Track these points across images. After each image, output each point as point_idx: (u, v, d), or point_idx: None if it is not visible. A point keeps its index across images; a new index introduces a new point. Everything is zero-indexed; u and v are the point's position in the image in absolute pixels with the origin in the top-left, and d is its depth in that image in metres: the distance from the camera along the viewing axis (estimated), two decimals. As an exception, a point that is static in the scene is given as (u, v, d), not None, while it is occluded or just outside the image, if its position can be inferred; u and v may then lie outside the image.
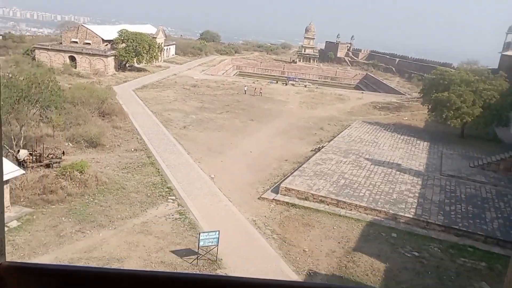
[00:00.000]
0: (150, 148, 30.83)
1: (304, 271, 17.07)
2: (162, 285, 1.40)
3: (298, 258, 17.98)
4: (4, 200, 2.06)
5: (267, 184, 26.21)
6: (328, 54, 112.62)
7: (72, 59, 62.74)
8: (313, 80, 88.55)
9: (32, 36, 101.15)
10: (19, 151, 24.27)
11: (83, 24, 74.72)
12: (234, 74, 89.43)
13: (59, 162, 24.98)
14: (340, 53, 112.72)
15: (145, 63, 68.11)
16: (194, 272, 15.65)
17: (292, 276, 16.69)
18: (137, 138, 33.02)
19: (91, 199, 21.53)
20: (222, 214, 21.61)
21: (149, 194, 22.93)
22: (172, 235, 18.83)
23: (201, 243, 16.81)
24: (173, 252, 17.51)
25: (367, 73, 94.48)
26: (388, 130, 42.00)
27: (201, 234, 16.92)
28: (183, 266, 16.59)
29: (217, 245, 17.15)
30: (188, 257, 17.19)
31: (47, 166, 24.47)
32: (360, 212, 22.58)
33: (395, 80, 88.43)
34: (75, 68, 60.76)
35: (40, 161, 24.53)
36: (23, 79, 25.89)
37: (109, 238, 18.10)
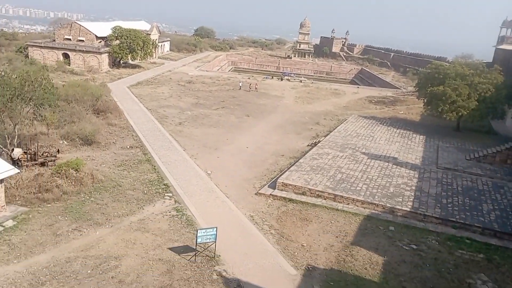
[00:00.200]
0: (145, 145, 30.66)
1: (303, 266, 17.03)
2: None
3: (296, 253, 17.95)
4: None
5: (264, 180, 26.14)
6: (323, 49, 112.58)
7: (66, 56, 62.27)
8: (309, 75, 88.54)
9: (25, 33, 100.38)
10: (13, 149, 24.03)
11: (76, 21, 74.15)
12: (229, 70, 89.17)
13: (54, 160, 24.78)
14: (335, 48, 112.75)
15: (139, 60, 67.79)
16: None
17: (291, 271, 16.66)
18: (133, 135, 32.82)
19: (87, 197, 21.37)
20: (219, 211, 21.53)
21: (145, 191, 22.80)
22: (170, 232, 18.74)
23: (199, 240, 16.73)
24: (170, 249, 17.42)
25: (362, 67, 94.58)
26: (384, 124, 42.03)
27: (198, 231, 16.83)
28: (181, 263, 16.51)
29: (215, 242, 17.07)
30: (186, 254, 17.10)
31: (42, 164, 24.27)
32: (357, 206, 22.58)
33: (390, 74, 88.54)
34: (69, 65, 60.31)
35: (35, 160, 24.32)
36: (16, 77, 25.59)
37: (106, 236, 17.98)
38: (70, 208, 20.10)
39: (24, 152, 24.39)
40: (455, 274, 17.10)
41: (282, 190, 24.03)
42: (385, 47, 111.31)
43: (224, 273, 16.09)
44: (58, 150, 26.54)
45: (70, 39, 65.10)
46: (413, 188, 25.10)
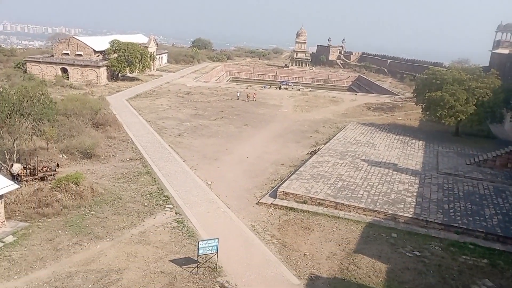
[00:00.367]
0: (145, 157, 30.61)
1: (306, 276, 16.89)
2: None
3: (299, 263, 17.81)
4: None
5: (265, 189, 26.06)
6: (320, 58, 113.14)
7: (64, 70, 62.52)
8: (306, 83, 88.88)
9: (23, 49, 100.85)
10: (12, 165, 23.97)
11: (74, 36, 74.61)
12: (227, 80, 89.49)
13: (53, 175, 24.70)
14: (332, 56, 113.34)
15: (137, 72, 68.03)
16: None
17: (294, 281, 16.52)
18: (132, 147, 32.79)
19: (88, 211, 21.27)
20: (220, 221, 21.42)
21: (146, 204, 22.70)
22: (171, 244, 18.62)
23: (201, 251, 16.63)
24: (172, 261, 17.29)
25: (360, 75, 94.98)
26: (383, 131, 42.07)
27: (200, 242, 16.73)
28: (183, 275, 16.37)
29: (217, 253, 16.97)
30: (187, 266, 16.97)
31: (42, 179, 24.19)
32: (359, 213, 22.47)
33: (388, 81, 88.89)
34: (67, 79, 60.52)
35: (34, 175, 24.24)
36: (15, 93, 25.67)
37: (107, 250, 17.86)
38: (70, 222, 19.98)
39: (24, 167, 24.33)
40: (460, 280, 16.97)
41: (283, 199, 23.94)
42: (381, 54, 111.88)
43: (226, 284, 15.95)
44: (58, 164, 26.49)
45: (68, 54, 65.40)
46: (415, 194, 25.03)
